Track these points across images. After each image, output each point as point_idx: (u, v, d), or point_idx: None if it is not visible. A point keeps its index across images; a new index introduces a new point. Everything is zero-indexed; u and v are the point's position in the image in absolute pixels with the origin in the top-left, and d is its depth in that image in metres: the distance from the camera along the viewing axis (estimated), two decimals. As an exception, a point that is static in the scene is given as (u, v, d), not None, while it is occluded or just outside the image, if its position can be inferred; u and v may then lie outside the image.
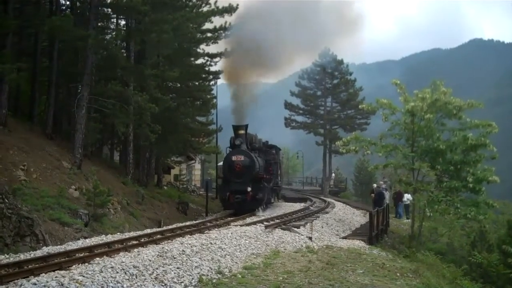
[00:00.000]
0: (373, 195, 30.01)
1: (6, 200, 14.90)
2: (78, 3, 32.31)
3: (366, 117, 55.32)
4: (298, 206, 33.14)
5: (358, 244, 19.40)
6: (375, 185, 33.29)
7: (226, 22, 33.15)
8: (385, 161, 25.17)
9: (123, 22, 34.43)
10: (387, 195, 30.62)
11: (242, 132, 27.12)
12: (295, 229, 19.56)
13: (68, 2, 33.54)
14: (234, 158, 25.92)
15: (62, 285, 8.46)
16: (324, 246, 17.59)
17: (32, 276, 9.23)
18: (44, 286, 8.28)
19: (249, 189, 25.15)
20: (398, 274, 14.01)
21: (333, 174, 62.63)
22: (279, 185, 34.72)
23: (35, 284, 8.39)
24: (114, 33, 33.51)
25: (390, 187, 36.50)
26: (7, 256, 12.46)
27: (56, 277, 8.92)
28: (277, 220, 21.86)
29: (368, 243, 20.10)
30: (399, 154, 24.36)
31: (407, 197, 32.49)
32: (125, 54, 31.20)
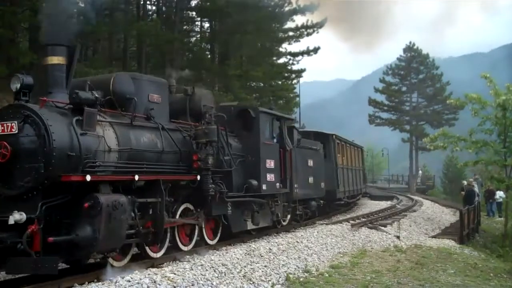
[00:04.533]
0: (462, 192, 29.09)
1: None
2: (164, 7, 33.29)
3: (454, 112, 53.80)
4: (384, 204, 32.59)
5: (448, 243, 18.88)
6: (465, 182, 32.23)
7: (308, 20, 33.16)
8: (475, 157, 24.31)
9: (207, 25, 35.17)
10: (477, 191, 29.52)
11: (54, 61, 9.97)
12: (382, 227, 19.27)
13: (154, 7, 34.63)
14: None
15: (154, 282, 8.68)
16: (413, 245, 17.23)
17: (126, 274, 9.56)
18: (138, 283, 8.51)
19: (15, 217, 8.32)
20: (491, 275, 13.56)
21: (420, 172, 61.22)
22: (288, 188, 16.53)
23: (129, 281, 8.62)
24: (198, 36, 34.30)
25: (482, 184, 35.18)
26: (103, 253, 12.99)
27: (148, 274, 9.16)
28: (363, 219, 21.62)
29: (459, 243, 19.51)
30: (490, 150, 23.46)
31: (499, 194, 31.28)
32: (209, 56, 31.85)
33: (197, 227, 12.48)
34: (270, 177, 15.22)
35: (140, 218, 10.25)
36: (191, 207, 12.23)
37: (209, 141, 12.30)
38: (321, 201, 20.63)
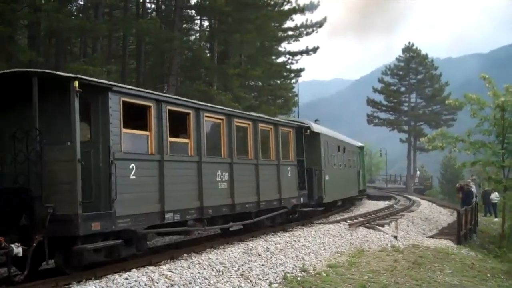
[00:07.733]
0: (460, 194, 29.13)
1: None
2: (163, 6, 33.23)
3: (452, 112, 53.94)
4: (382, 204, 32.60)
5: (445, 243, 18.91)
6: (461, 182, 32.27)
7: (307, 20, 33.19)
8: (473, 158, 24.34)
9: (206, 23, 35.15)
10: (475, 192, 29.53)
11: None
12: (380, 227, 19.29)
13: (153, 5, 34.58)
14: None
15: (152, 280, 8.72)
16: (410, 245, 17.24)
17: (124, 272, 9.54)
18: (135, 281, 8.55)
19: None
20: (488, 275, 13.59)
21: (418, 172, 61.30)
22: None
23: (126, 279, 8.65)
24: (198, 35, 34.24)
25: (479, 185, 35.24)
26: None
27: (146, 272, 9.20)
28: (360, 219, 21.62)
29: (456, 243, 19.54)
30: (488, 151, 23.50)
31: (495, 195, 31.36)
32: (208, 55, 31.79)
33: None
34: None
35: None
36: None
37: None
38: None
